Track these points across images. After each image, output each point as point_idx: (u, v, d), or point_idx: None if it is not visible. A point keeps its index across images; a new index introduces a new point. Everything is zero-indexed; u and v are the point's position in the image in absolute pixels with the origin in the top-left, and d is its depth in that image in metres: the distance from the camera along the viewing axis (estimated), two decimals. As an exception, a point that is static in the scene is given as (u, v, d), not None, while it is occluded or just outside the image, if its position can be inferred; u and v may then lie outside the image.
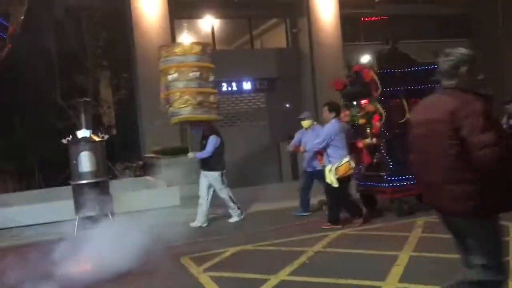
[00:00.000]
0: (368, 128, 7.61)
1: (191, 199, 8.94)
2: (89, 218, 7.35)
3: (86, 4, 13.78)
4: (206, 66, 8.28)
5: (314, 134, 7.84)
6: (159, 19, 14.08)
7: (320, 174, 7.56)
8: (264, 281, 4.95)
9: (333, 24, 16.11)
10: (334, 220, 7.11)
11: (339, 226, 7.03)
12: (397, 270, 4.92)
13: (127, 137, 14.82)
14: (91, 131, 8.47)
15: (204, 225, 8.05)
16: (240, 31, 17.28)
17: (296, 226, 7.46)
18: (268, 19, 17.65)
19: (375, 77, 7.37)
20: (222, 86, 16.03)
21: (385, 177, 7.42)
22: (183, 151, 9.84)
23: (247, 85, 16.24)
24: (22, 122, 13.72)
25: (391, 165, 7.41)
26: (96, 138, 8.26)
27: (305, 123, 8.24)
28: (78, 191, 8.33)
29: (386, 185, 7.42)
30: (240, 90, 16.29)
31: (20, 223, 8.98)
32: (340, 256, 5.71)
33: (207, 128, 8.09)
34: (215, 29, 16.42)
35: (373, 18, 18.03)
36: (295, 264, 5.46)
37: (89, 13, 13.78)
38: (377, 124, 7.41)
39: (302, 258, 5.68)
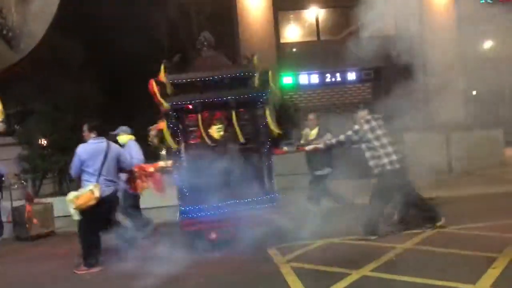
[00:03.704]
0: (163, 149, 6.63)
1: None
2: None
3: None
4: None
5: (127, 152, 6.89)
6: (263, 11, 14.30)
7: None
8: (345, 275, 4.83)
9: (446, 6, 15.08)
10: (89, 263, 5.81)
11: (97, 269, 5.81)
12: (491, 273, 4.50)
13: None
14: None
15: None
16: (346, 20, 16.88)
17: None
18: (376, 6, 17.02)
19: (156, 89, 6.15)
20: (326, 77, 15.87)
21: (180, 207, 6.31)
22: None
23: (352, 76, 15.88)
24: (143, 109, 14.76)
25: (185, 193, 6.26)
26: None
27: (123, 139, 7.18)
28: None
29: (181, 216, 6.26)
30: (345, 81, 15.98)
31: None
32: (431, 255, 5.34)
33: None
34: (320, 19, 16.24)
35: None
36: (381, 260, 5.24)
37: (198, 7, 14.38)
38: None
39: (390, 255, 5.44)
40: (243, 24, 14.25)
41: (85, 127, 6.05)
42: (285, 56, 15.45)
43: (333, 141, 6.71)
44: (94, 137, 5.96)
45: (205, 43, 6.73)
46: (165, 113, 6.23)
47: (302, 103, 15.93)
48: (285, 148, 7.25)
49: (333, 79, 15.88)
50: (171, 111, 6.16)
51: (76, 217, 5.70)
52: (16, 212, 8.62)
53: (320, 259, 5.47)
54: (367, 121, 6.36)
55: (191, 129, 6.37)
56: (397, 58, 15.28)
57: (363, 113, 6.52)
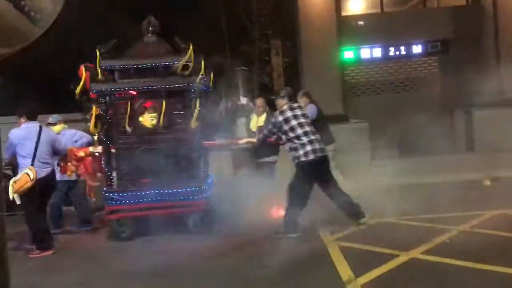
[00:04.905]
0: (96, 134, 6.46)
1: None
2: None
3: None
4: None
5: (78, 136, 7.13)
6: (323, -17, 13.90)
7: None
8: (393, 256, 4.71)
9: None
10: (41, 246, 5.94)
11: (50, 252, 5.93)
12: (551, 260, 4.22)
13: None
14: (247, 98, 8.90)
15: None
16: (413, -10, 16.09)
17: (449, 202, 6.74)
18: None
19: (85, 75, 6.00)
20: (389, 51, 15.30)
21: (105, 194, 6.25)
22: (343, 118, 10.68)
23: (417, 49, 15.14)
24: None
25: (111, 178, 6.31)
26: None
27: (56, 128, 7.01)
28: (234, 156, 8.92)
29: (107, 202, 6.23)
30: (409, 54, 15.28)
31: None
32: (486, 239, 5.09)
33: None
34: (384, -11, 15.54)
35: None
36: (433, 243, 5.07)
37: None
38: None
39: (443, 237, 5.24)
40: (302, -3, 13.93)
41: (17, 113, 6.24)
42: (346, 29, 14.96)
43: (260, 136, 6.50)
44: (25, 122, 6.08)
45: (150, 28, 6.45)
46: (94, 99, 6.24)
47: (364, 78, 15.45)
48: (217, 140, 6.96)
49: (397, 53, 15.17)
50: (100, 97, 6.23)
51: (17, 201, 5.82)
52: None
53: (369, 239, 5.36)
54: (281, 112, 5.99)
55: (121, 116, 6.38)
56: (467, 29, 14.49)
57: (281, 102, 6.11)
